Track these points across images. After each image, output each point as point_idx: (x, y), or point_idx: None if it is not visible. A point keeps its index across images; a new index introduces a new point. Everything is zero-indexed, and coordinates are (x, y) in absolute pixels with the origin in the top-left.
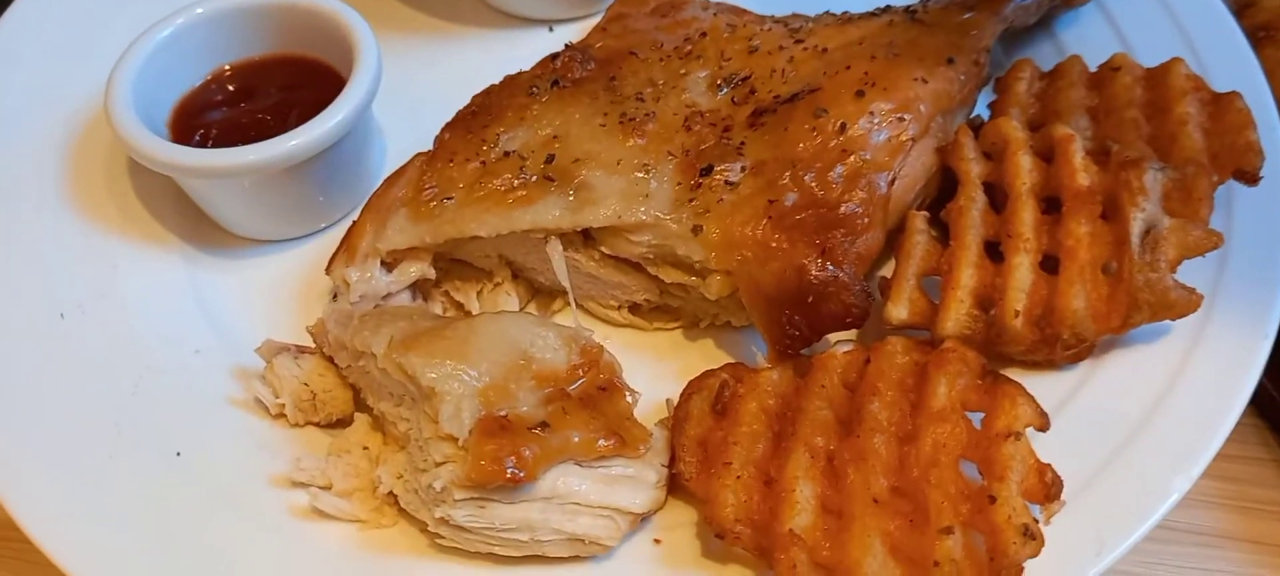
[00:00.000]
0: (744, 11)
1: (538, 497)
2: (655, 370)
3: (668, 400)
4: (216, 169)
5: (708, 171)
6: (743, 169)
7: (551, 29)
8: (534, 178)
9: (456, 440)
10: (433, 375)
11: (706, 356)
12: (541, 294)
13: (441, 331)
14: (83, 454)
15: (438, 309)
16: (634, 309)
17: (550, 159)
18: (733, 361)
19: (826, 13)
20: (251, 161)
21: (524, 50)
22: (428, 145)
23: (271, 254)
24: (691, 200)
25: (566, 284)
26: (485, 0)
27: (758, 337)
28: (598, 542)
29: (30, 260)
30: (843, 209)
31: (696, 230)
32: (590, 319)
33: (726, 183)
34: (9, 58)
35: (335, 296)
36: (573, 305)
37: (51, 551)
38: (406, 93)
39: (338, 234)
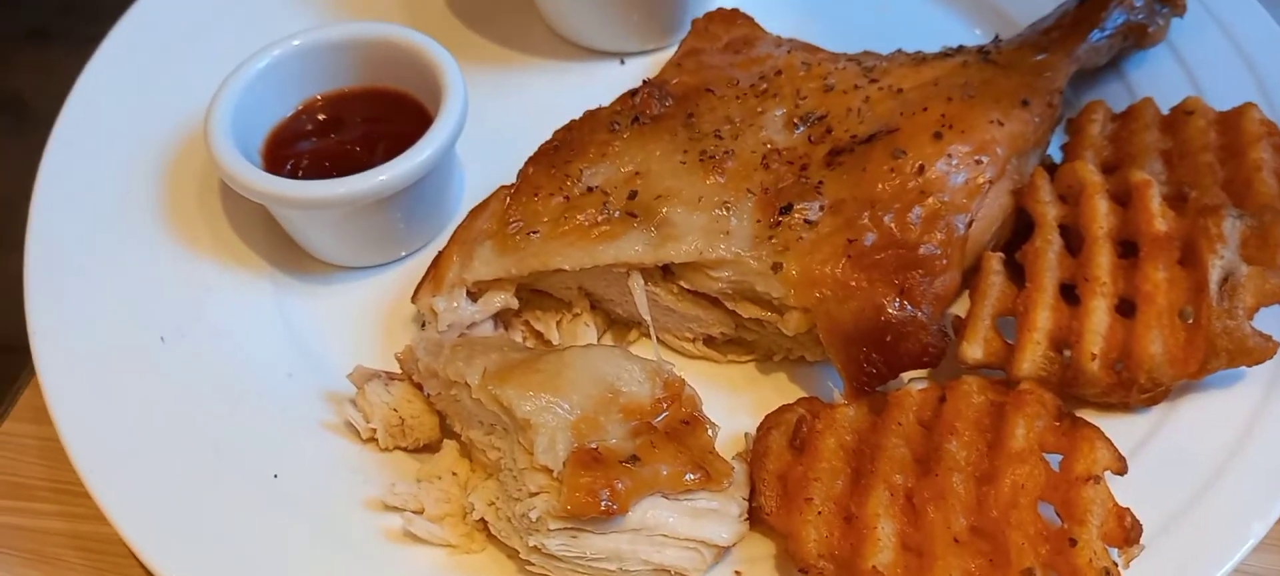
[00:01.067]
0: (817, 49)
1: (627, 529)
2: (729, 402)
3: (746, 434)
4: (311, 200)
5: (787, 210)
6: (821, 208)
7: (623, 62)
8: (617, 213)
9: (551, 471)
10: (528, 407)
11: (780, 389)
12: (618, 325)
13: (534, 364)
14: (186, 473)
15: (518, 337)
16: (709, 341)
17: (633, 195)
18: (807, 396)
19: (899, 51)
20: (343, 194)
21: (596, 82)
22: (503, 175)
23: (355, 280)
24: (771, 238)
25: (646, 317)
26: (558, 33)
27: (831, 371)
28: (683, 573)
29: (131, 284)
30: (922, 250)
31: (776, 267)
32: (666, 351)
33: (805, 221)
34: (106, 86)
35: (423, 325)
36: (654, 338)
37: (159, 568)
38: (482, 123)
39: (420, 262)
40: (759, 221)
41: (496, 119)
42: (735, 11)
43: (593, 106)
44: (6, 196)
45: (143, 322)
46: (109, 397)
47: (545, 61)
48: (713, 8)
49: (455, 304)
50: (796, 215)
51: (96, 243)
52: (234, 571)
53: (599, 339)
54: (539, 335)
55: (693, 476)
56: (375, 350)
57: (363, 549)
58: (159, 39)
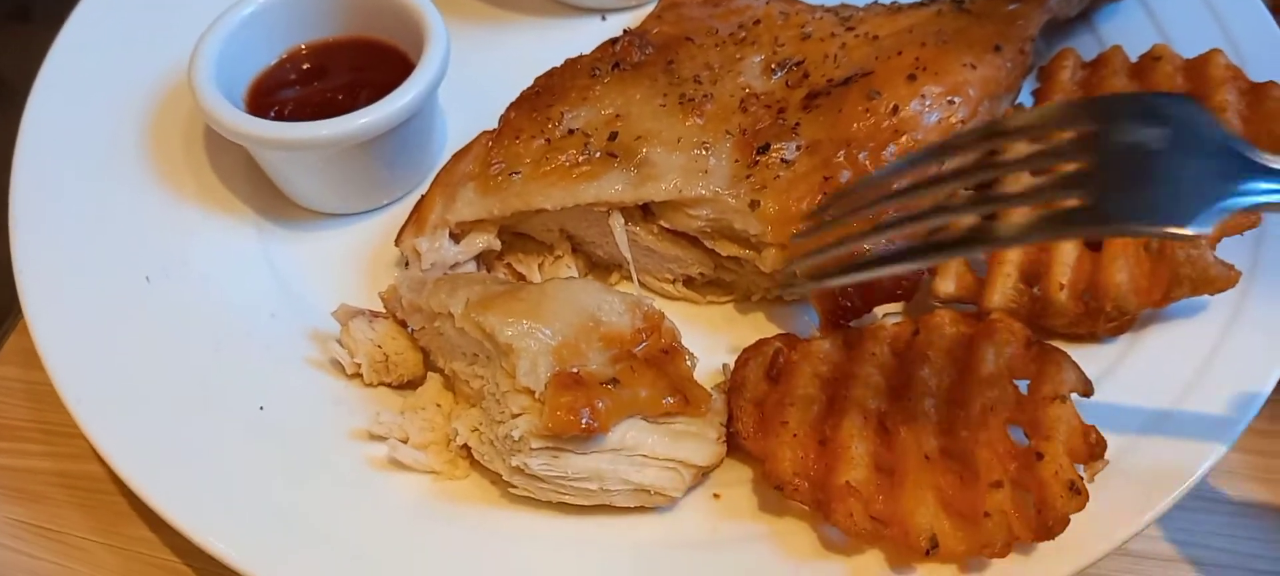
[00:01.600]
0: (795, 1)
1: (608, 449)
2: (708, 341)
3: (724, 366)
4: (293, 142)
5: (764, 150)
6: (798, 148)
7: (604, 17)
8: (598, 154)
9: (533, 393)
10: (510, 332)
11: (758, 329)
12: (599, 267)
13: (515, 293)
14: (174, 407)
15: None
16: (688, 282)
17: (613, 136)
18: (784, 332)
19: (875, 3)
20: (326, 136)
21: (578, 36)
22: (486, 126)
23: (338, 227)
24: (748, 177)
25: (627, 255)
26: None
27: (806, 312)
28: (662, 493)
29: (117, 227)
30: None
31: (754, 205)
32: (646, 292)
33: (782, 161)
34: (90, 35)
35: (406, 265)
36: (634, 277)
37: (149, 497)
38: (465, 76)
39: (401, 209)
40: (737, 161)
41: (478, 71)
42: None
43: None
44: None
45: (129, 264)
46: (96, 336)
47: (528, 17)
48: None
49: (438, 245)
50: (773, 154)
51: (82, 187)
52: (223, 499)
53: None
54: (521, 277)
55: (671, 400)
56: (359, 293)
57: (349, 476)
58: None
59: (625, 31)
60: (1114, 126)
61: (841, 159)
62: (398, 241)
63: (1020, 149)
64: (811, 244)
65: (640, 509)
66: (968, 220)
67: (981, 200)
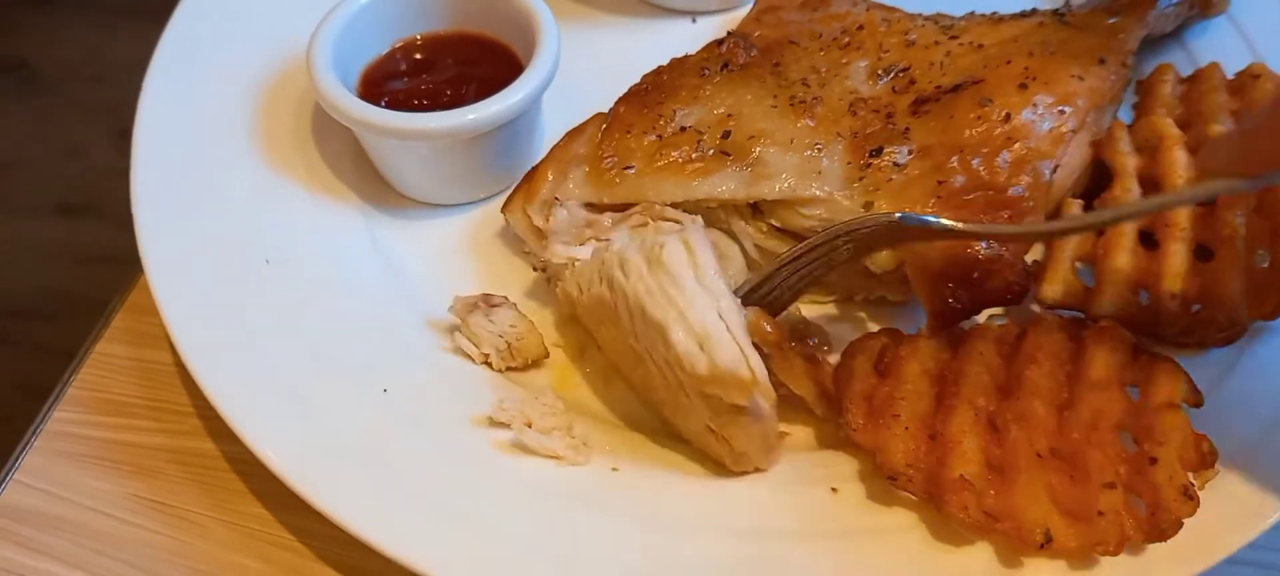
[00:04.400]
0: (893, 8)
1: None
2: None
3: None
4: (407, 131)
5: (877, 153)
6: (909, 152)
7: (694, 20)
8: (711, 151)
9: None
10: None
11: (860, 329)
12: None
13: None
14: (299, 386)
15: None
16: None
17: (726, 134)
18: (889, 327)
19: (974, 13)
20: (437, 128)
21: (668, 38)
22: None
23: (440, 217)
24: (861, 179)
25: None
26: None
27: (909, 313)
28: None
29: (236, 209)
30: (1010, 192)
31: (867, 206)
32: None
33: (894, 164)
34: (200, 21)
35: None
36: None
37: (283, 473)
38: (558, 77)
39: (495, 204)
40: (850, 164)
41: (570, 73)
42: None
43: (662, 59)
44: (12, 159)
45: (248, 247)
46: (225, 318)
47: (618, 16)
48: None
49: (541, 210)
50: (886, 157)
51: (199, 171)
52: (355, 478)
53: None
54: None
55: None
56: (465, 281)
57: (476, 457)
58: None
59: (729, 34)
60: None
61: (955, 164)
62: (506, 209)
63: None
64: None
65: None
66: None
67: None
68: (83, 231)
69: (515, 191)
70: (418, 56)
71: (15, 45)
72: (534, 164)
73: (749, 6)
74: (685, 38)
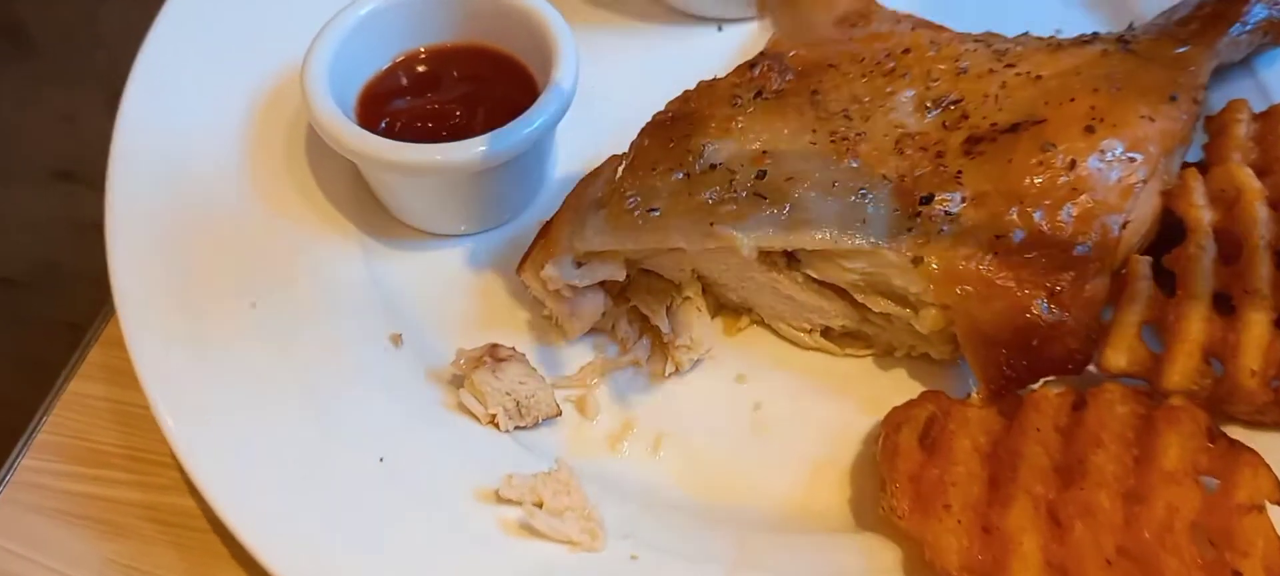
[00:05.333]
0: (941, 28)
1: None
2: (844, 397)
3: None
4: (412, 165)
5: (928, 200)
6: (963, 199)
7: (720, 28)
8: (744, 193)
9: None
10: None
11: (898, 386)
12: (727, 309)
13: None
14: (285, 450)
15: (623, 323)
16: (826, 332)
17: (761, 174)
18: (932, 390)
19: (1028, 35)
20: (444, 161)
21: (692, 49)
22: (597, 143)
23: (445, 248)
24: (910, 229)
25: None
26: None
27: (951, 371)
28: None
29: (218, 243)
30: (1075, 250)
31: (917, 261)
32: (778, 340)
33: (946, 213)
34: (185, 30)
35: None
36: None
37: (265, 557)
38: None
39: (507, 233)
40: (897, 210)
41: (587, 82)
42: None
43: (690, 74)
44: (5, 124)
45: (234, 287)
46: (205, 373)
47: (637, 24)
48: None
49: (561, 270)
50: (937, 206)
51: (182, 199)
52: (344, 561)
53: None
54: (645, 319)
55: None
56: (473, 320)
57: (481, 539)
58: None
59: (762, 55)
60: None
61: (1015, 217)
62: (521, 270)
63: None
64: None
65: None
66: None
67: None
68: (77, 198)
69: (531, 251)
70: (421, 71)
71: (12, 10)
72: (544, 190)
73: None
74: (711, 48)
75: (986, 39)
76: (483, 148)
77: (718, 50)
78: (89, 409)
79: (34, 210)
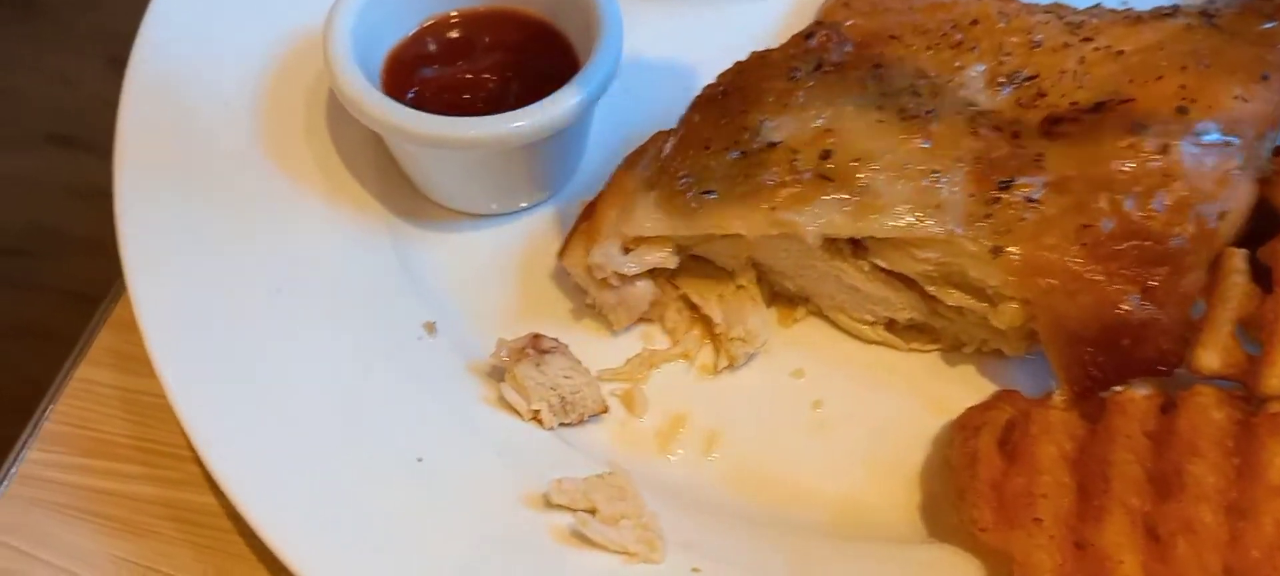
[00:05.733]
0: None
1: None
2: (909, 395)
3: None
4: (447, 139)
5: (1007, 185)
6: (1044, 185)
7: None
8: (808, 174)
9: None
10: None
11: (967, 384)
12: (782, 298)
13: None
14: (320, 458)
15: (671, 313)
16: (890, 325)
17: (826, 154)
18: (1008, 390)
19: (1100, 5)
20: (479, 135)
21: (731, 18)
22: (634, 117)
23: (477, 229)
24: (988, 216)
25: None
26: None
27: (1024, 368)
28: None
29: (240, 226)
30: (1171, 243)
31: (996, 252)
32: (837, 332)
33: (1027, 199)
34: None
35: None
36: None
37: (284, 549)
38: None
39: (542, 212)
40: (973, 196)
41: (625, 49)
42: None
43: (734, 43)
44: (14, 87)
45: (255, 273)
46: (229, 368)
47: None
48: None
49: (607, 256)
50: (1017, 191)
51: (194, 173)
52: (376, 561)
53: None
54: (695, 309)
55: None
56: (509, 306)
57: (530, 546)
58: None
59: (819, 24)
60: None
61: (1103, 205)
62: (563, 256)
63: None
64: None
65: None
66: None
67: None
68: (75, 163)
69: (573, 235)
70: (452, 37)
71: None
72: (576, 174)
73: None
74: (755, 17)
75: (1057, 10)
76: (524, 122)
77: (762, 19)
78: (98, 397)
79: (32, 175)
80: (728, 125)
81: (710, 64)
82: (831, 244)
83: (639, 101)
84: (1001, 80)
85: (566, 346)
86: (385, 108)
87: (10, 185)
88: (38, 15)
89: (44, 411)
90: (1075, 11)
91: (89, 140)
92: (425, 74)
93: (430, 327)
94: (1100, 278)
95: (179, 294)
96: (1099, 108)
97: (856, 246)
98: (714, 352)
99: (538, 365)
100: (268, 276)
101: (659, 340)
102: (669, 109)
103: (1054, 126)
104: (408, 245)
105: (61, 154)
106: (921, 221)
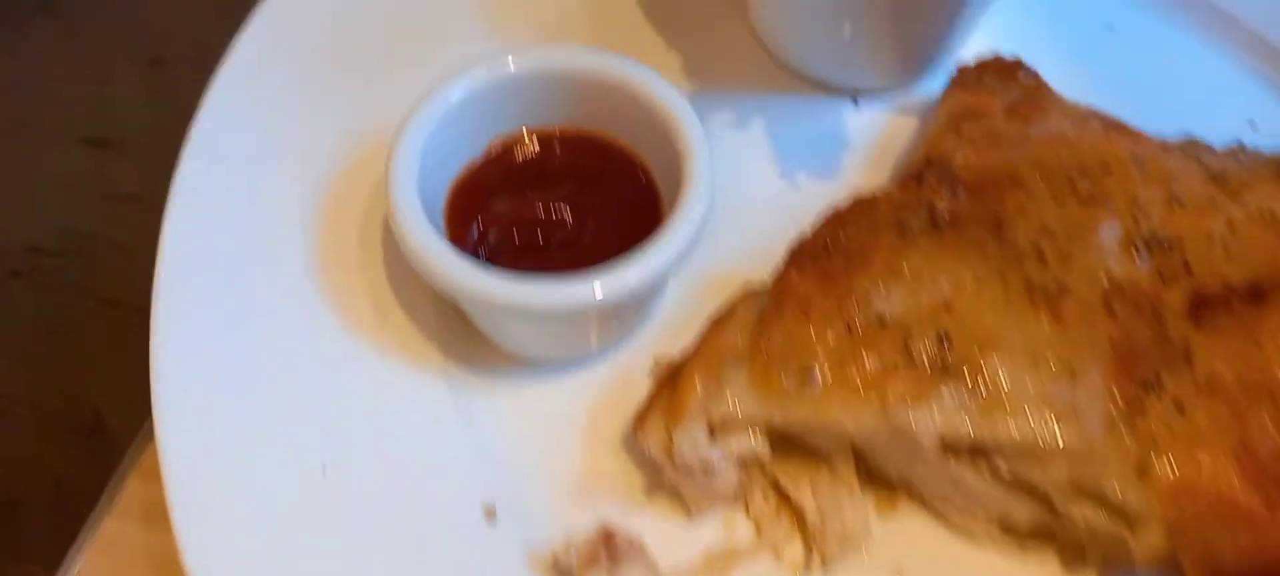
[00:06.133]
0: (1137, 134)
1: None
2: None
3: None
4: (526, 309)
5: (1151, 386)
6: (1194, 385)
7: (856, 102)
8: (925, 362)
9: None
10: None
11: None
12: (880, 482)
13: None
14: None
15: (758, 500)
16: (1005, 526)
17: (944, 338)
18: None
19: (1242, 147)
20: (559, 304)
21: (823, 125)
22: (714, 246)
23: (542, 379)
24: (1131, 424)
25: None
26: (775, 55)
27: None
28: None
29: (285, 387)
30: None
31: (1142, 470)
32: (946, 526)
33: (1175, 404)
34: (235, 116)
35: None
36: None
37: None
38: None
39: (613, 362)
40: (1112, 397)
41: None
42: (1016, 62)
43: (824, 159)
44: (35, 86)
45: (300, 447)
46: (256, 538)
47: (758, 92)
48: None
49: (691, 440)
50: (1164, 394)
51: (239, 331)
52: None
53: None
54: (786, 498)
55: None
56: (576, 479)
57: None
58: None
59: (928, 163)
60: None
61: (1266, 420)
62: (639, 429)
63: None
64: None
65: None
66: None
67: None
68: (108, 165)
69: (652, 407)
70: (521, 160)
71: None
72: (662, 354)
73: (925, 95)
74: (846, 128)
75: (1192, 148)
76: (603, 290)
77: (856, 129)
78: (127, 553)
79: (64, 177)
80: (831, 290)
81: (798, 184)
82: (949, 445)
83: (717, 229)
84: (1139, 245)
85: (642, 546)
86: (451, 268)
87: (44, 186)
88: (70, 10)
89: (69, 567)
90: (1213, 154)
91: (122, 144)
92: (496, 207)
93: (490, 513)
94: (1262, 510)
95: (218, 486)
96: (1257, 294)
97: (977, 449)
98: (804, 548)
99: (611, 572)
100: (314, 451)
101: (740, 524)
102: (753, 240)
103: (1202, 310)
104: (466, 397)
105: (96, 156)
106: (1056, 428)
